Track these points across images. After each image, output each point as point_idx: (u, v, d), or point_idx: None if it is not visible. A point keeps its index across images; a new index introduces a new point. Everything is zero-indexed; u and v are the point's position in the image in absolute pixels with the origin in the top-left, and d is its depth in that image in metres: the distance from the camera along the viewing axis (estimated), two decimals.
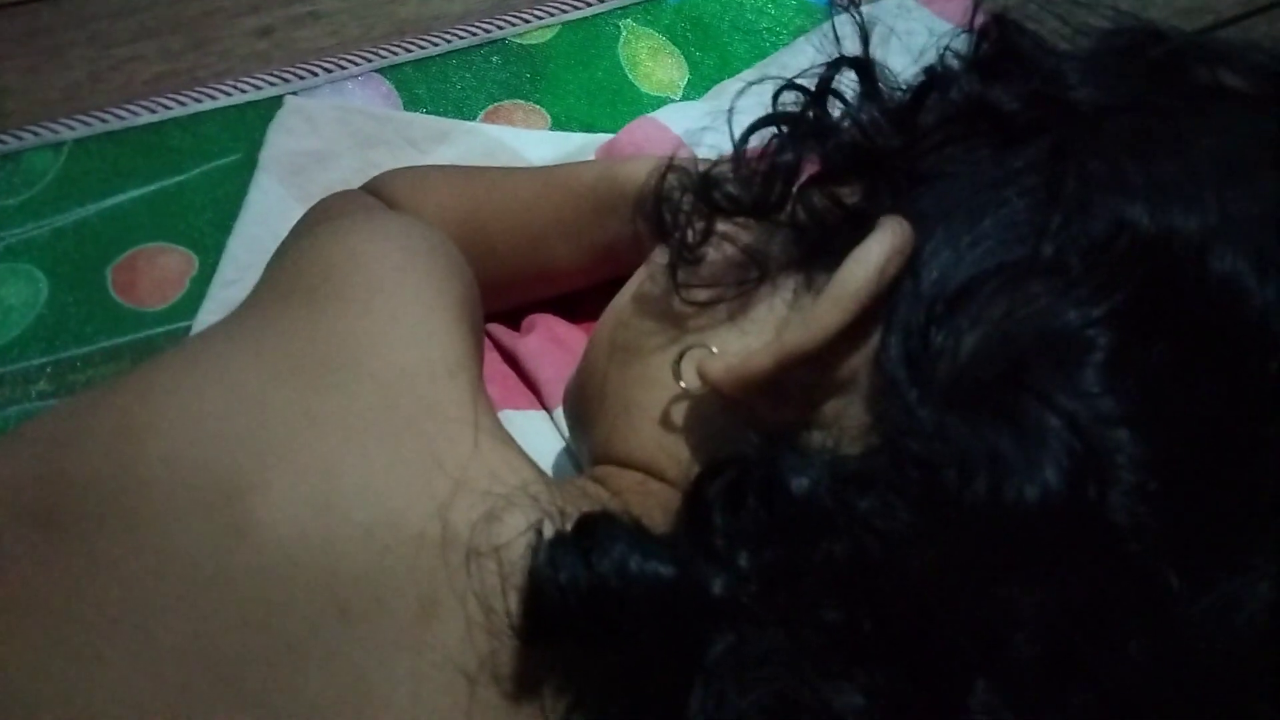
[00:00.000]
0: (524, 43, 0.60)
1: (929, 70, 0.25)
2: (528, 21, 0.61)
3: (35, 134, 0.54)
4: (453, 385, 0.25)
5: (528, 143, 0.55)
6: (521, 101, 0.58)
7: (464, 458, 0.24)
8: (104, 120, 0.55)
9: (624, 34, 0.61)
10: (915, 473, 0.20)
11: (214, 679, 0.22)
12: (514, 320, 0.46)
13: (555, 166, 0.46)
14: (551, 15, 0.62)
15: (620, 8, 0.62)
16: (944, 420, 0.20)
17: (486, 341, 0.45)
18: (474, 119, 0.57)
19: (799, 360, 0.23)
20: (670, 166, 0.27)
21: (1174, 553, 0.19)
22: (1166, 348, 0.20)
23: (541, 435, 0.39)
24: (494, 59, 0.60)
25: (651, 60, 0.60)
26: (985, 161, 0.24)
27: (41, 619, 0.22)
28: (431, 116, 0.56)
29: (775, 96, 0.27)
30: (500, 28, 0.61)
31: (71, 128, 0.55)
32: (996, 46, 0.26)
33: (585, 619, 0.21)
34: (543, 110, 0.58)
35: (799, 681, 0.19)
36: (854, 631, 0.20)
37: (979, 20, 0.27)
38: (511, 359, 0.43)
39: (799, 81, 0.26)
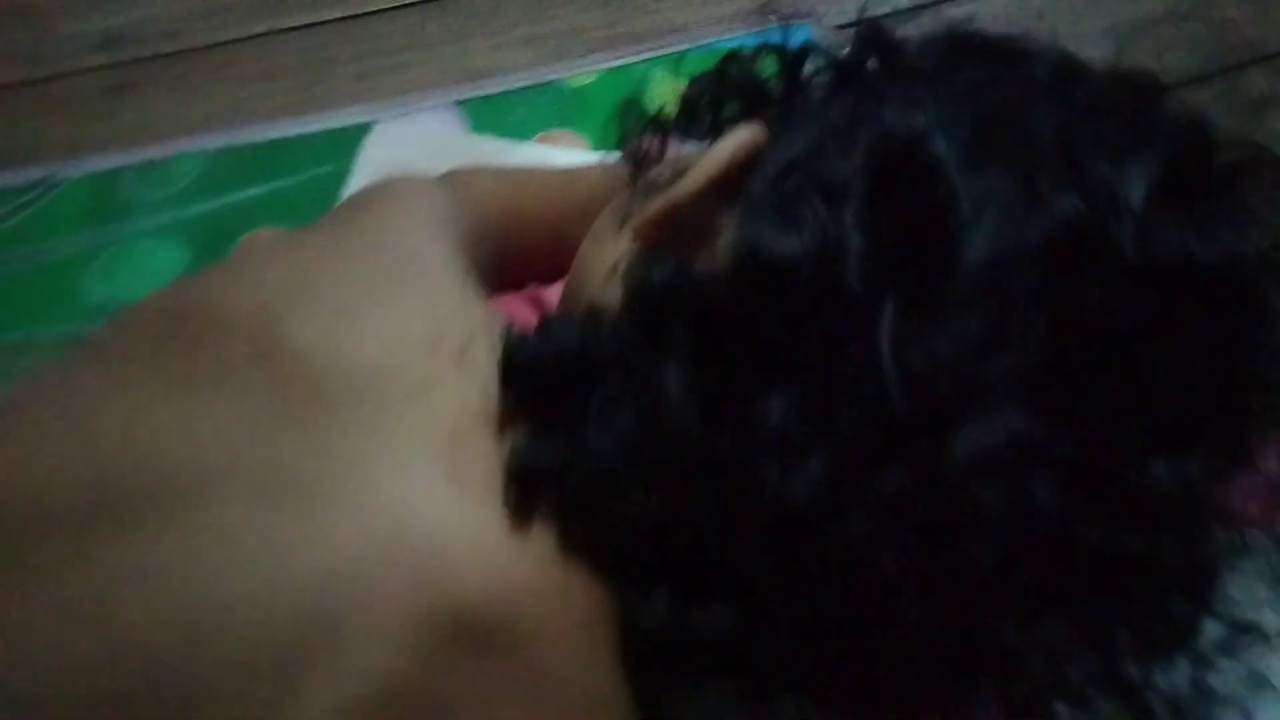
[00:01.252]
0: (571, 85, 0.74)
1: (803, 45, 0.37)
2: (575, 69, 0.75)
3: (184, 146, 0.69)
4: (450, 264, 0.38)
5: (570, 159, 0.67)
6: (567, 130, 0.71)
7: (455, 303, 0.36)
8: (234, 138, 0.70)
9: (652, 80, 0.74)
10: (734, 257, 0.31)
11: (269, 424, 0.33)
12: None
13: (578, 165, 0.59)
14: (595, 65, 0.76)
15: (650, 59, 0.75)
16: (757, 227, 0.31)
17: None
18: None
19: (681, 204, 0.34)
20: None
21: (887, 295, 0.29)
22: (897, 188, 0.31)
23: None
24: (546, 97, 0.73)
25: (674, 100, 0.73)
26: (824, 99, 0.35)
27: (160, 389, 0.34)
28: (492, 138, 0.69)
29: (721, 62, 0.39)
30: (553, 73, 0.75)
31: (209, 144, 0.69)
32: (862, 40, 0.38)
33: (540, 375, 0.33)
34: (584, 137, 0.71)
35: (648, 400, 0.31)
36: (692, 355, 0.31)
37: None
38: None
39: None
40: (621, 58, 0.76)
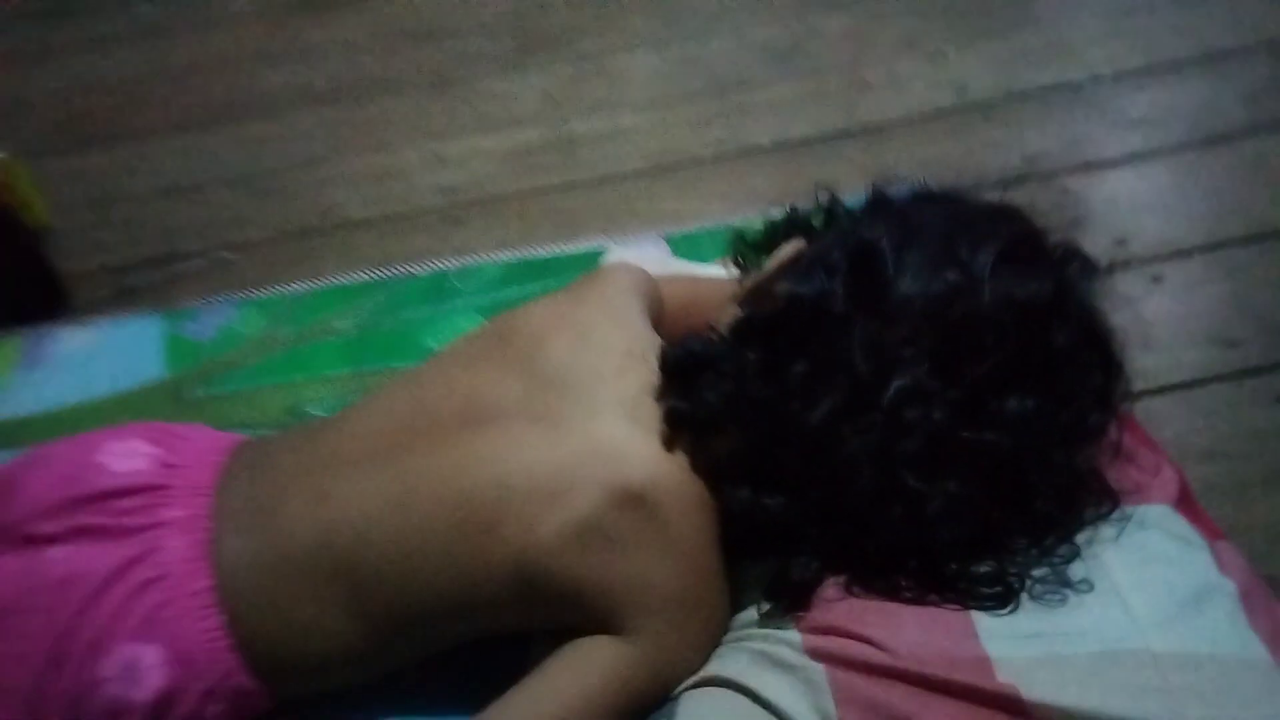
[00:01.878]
0: (741, 229, 1.05)
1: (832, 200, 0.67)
2: (748, 218, 1.07)
3: (489, 258, 1.06)
4: (640, 311, 0.69)
5: (717, 273, 0.98)
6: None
7: (639, 330, 0.67)
8: (521, 254, 1.06)
9: None
10: (783, 300, 0.60)
11: (538, 388, 0.64)
12: None
13: (718, 277, 0.89)
14: (763, 215, 1.07)
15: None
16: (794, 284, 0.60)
17: None
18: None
19: (762, 280, 0.63)
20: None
21: (856, 315, 0.56)
22: (861, 264, 0.58)
23: None
24: (727, 235, 1.04)
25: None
26: (837, 227, 0.64)
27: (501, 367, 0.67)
28: (684, 261, 1.01)
29: (788, 213, 0.69)
30: (734, 220, 1.07)
31: (506, 257, 1.06)
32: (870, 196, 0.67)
33: (681, 366, 0.62)
34: None
35: (737, 374, 0.59)
36: (761, 349, 0.59)
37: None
38: None
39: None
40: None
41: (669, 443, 0.62)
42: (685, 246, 1.04)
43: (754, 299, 0.65)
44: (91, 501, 0.64)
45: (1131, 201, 1.10)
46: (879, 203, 0.66)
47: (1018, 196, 0.66)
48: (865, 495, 0.57)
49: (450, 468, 0.63)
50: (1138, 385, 0.62)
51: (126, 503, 0.64)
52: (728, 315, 0.66)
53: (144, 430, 0.70)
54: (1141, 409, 0.66)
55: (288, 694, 0.65)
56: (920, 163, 1.12)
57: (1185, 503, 0.63)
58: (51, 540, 0.62)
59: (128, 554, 0.62)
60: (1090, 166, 1.15)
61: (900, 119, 1.25)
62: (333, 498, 0.64)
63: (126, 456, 0.67)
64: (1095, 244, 0.62)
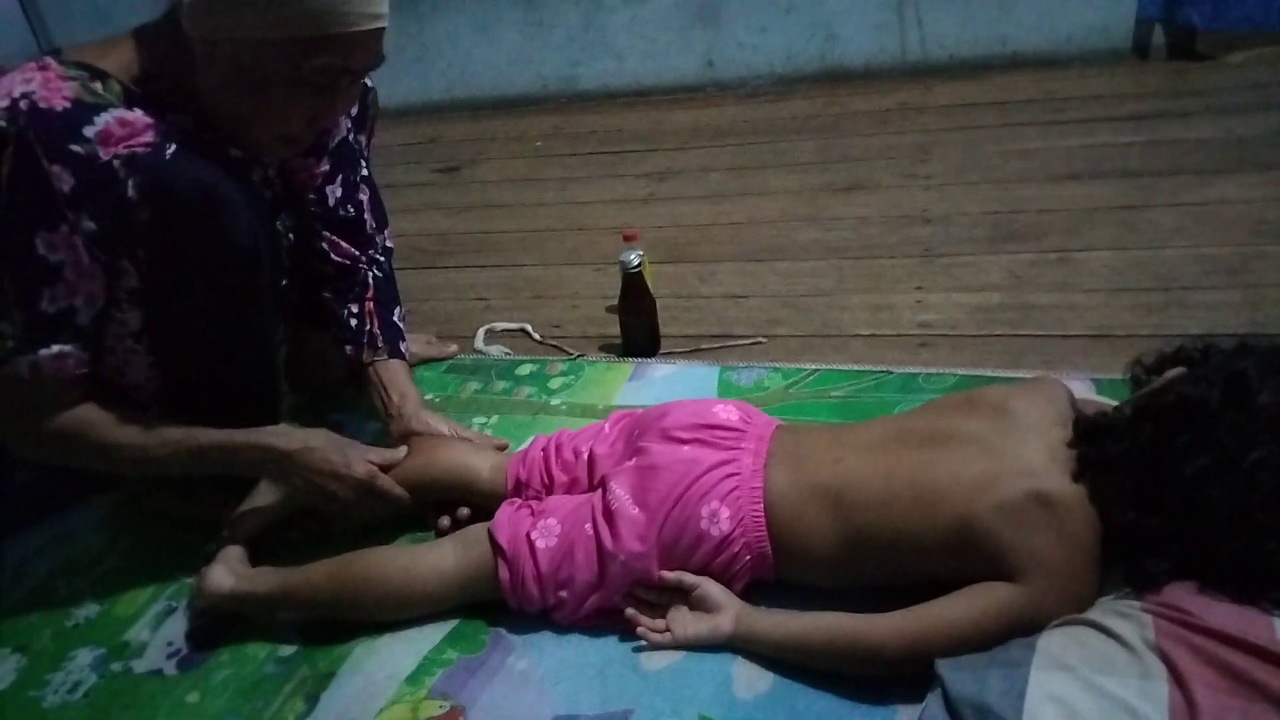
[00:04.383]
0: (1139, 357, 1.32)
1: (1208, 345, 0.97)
2: None
3: (950, 372, 1.44)
4: (1067, 401, 1.03)
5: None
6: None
7: (1065, 409, 1.02)
8: (975, 372, 1.43)
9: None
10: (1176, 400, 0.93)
11: (990, 430, 1.01)
12: None
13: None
14: None
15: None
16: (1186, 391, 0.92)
17: None
18: None
19: (1160, 387, 0.95)
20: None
21: (1229, 409, 0.86)
22: (1235, 385, 0.88)
23: None
24: None
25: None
26: (1211, 362, 0.95)
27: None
28: (1097, 395, 1.31)
29: (1176, 350, 0.99)
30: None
31: (964, 371, 1.43)
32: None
33: (1088, 432, 0.97)
34: None
35: (1130, 439, 0.92)
36: (1150, 425, 0.92)
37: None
38: None
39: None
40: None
41: (1075, 476, 0.95)
42: (1108, 388, 1.34)
43: (1154, 396, 0.96)
44: (707, 428, 1.12)
45: None
46: (1245, 348, 0.95)
47: None
48: (1220, 525, 0.85)
49: (922, 458, 1.02)
50: None
51: (723, 433, 1.11)
52: (1121, 411, 0.98)
53: (735, 403, 1.18)
54: None
55: (781, 573, 1.06)
56: None
57: None
58: (684, 442, 1.11)
59: (722, 458, 1.08)
60: None
61: None
62: (843, 461, 1.05)
63: (725, 411, 1.15)
64: None
